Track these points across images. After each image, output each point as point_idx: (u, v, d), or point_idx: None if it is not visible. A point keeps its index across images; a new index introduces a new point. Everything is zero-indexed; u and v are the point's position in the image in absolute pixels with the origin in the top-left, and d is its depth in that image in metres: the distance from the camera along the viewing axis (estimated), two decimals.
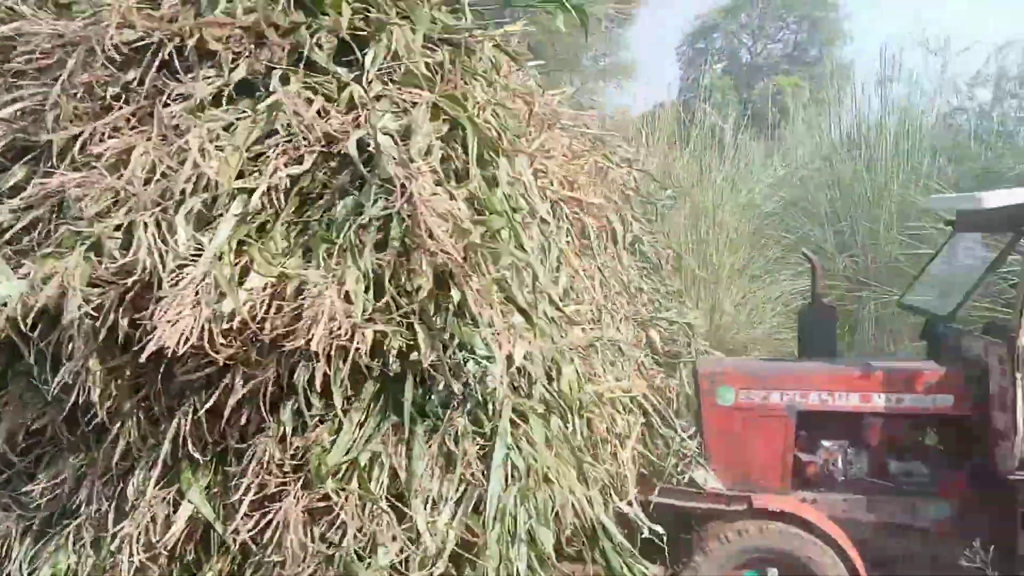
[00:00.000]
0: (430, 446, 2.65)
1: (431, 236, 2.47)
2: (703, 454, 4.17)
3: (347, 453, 2.57)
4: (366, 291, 2.50)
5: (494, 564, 2.57)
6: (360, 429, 2.63)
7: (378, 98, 2.86)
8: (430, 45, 3.19)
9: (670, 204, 6.71)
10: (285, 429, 2.56)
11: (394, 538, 2.54)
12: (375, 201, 2.54)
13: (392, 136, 2.74)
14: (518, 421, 2.80)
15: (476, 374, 2.65)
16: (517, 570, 2.63)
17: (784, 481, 4.16)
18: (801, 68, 23.77)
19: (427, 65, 3.08)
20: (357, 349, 2.44)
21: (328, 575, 2.48)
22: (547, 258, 3.47)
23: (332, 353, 2.43)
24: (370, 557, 2.49)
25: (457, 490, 2.65)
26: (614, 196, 5.17)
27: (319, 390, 2.51)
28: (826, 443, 4.17)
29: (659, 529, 3.53)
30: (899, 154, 8.13)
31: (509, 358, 2.72)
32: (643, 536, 3.60)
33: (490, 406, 2.70)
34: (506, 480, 2.68)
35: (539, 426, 2.84)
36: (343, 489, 2.50)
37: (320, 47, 2.88)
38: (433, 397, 2.68)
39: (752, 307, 7.42)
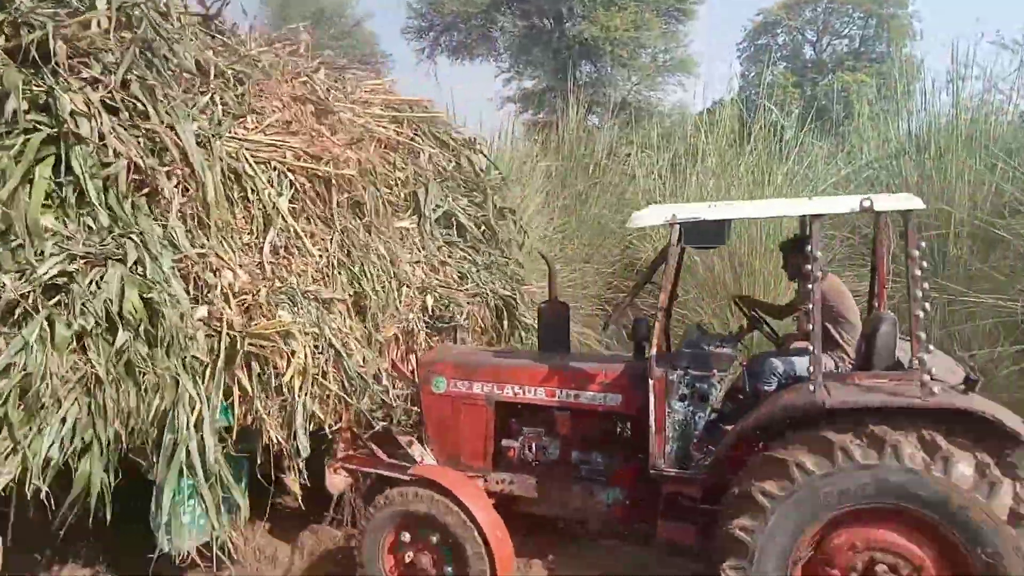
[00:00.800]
0: None
1: None
2: (424, 435, 4.87)
3: None
4: None
5: None
6: None
7: None
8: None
9: (498, 181, 7.40)
10: None
11: None
12: None
13: None
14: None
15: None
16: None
17: (487, 462, 4.70)
18: (867, 65, 23.10)
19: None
20: None
21: None
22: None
23: None
24: None
25: None
26: (423, 173, 6.16)
27: None
28: (526, 430, 4.65)
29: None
30: (972, 154, 7.85)
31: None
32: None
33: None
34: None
35: (63, 331, 3.52)
36: None
37: None
38: None
39: None
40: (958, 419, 3.42)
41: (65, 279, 3.66)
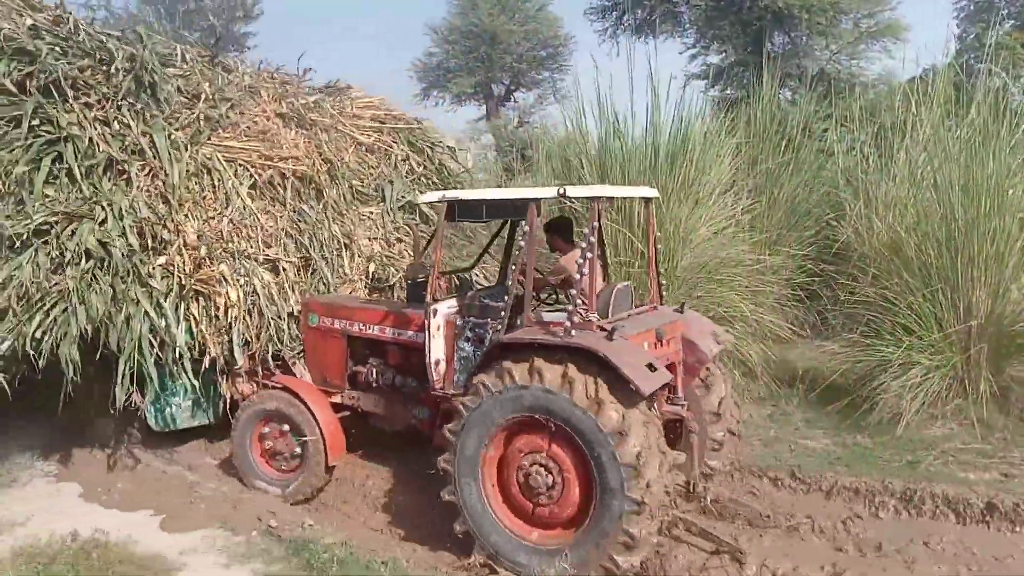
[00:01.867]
0: None
1: None
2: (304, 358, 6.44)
3: None
4: None
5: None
6: None
7: None
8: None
9: (466, 176, 9.45)
10: None
11: None
12: None
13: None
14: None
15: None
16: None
17: (343, 382, 6.16)
18: None
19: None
20: None
21: None
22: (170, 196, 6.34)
23: None
24: None
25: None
26: (391, 172, 8.12)
27: None
28: (371, 359, 6.02)
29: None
30: None
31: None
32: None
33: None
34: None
35: (43, 258, 5.70)
36: None
37: None
38: None
39: None
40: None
41: (48, 226, 5.77)
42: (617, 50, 28.19)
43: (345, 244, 7.09)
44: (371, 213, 7.61)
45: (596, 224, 4.65)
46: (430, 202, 5.72)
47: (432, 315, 5.34)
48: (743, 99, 11.81)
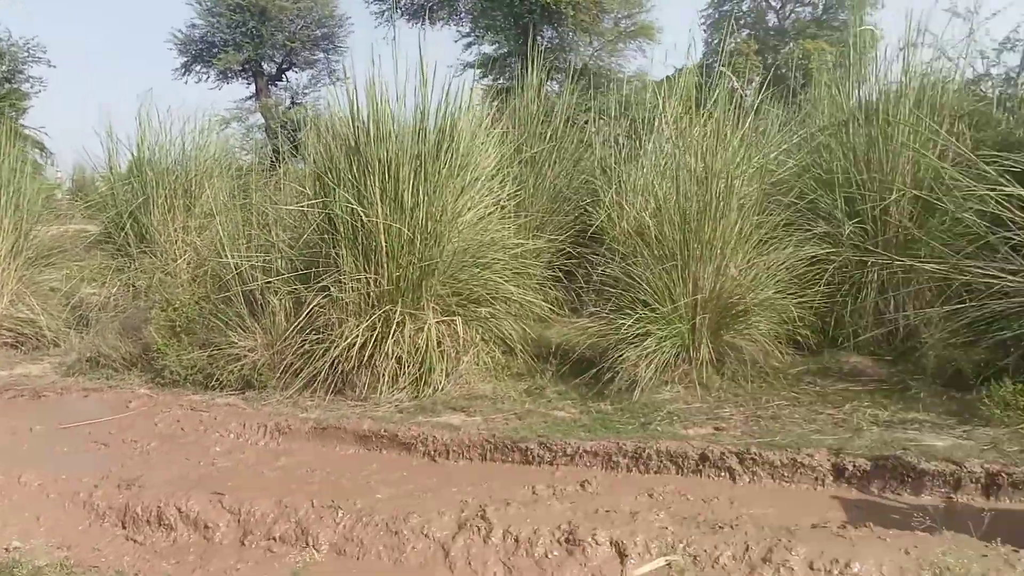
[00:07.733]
0: None
1: None
2: None
3: None
4: None
5: None
6: None
7: None
8: None
9: None
10: None
11: None
12: None
13: None
14: None
15: None
16: None
17: None
18: (829, 32, 23.16)
19: None
20: None
21: None
22: None
23: None
24: None
25: None
26: None
27: None
28: None
29: None
30: (918, 121, 7.94)
31: None
32: None
33: None
34: None
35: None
36: None
37: None
38: None
39: (756, 272, 7.35)
40: None
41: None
42: (394, 33, 27.98)
43: None
44: None
45: None
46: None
47: None
48: (511, 89, 12.22)
